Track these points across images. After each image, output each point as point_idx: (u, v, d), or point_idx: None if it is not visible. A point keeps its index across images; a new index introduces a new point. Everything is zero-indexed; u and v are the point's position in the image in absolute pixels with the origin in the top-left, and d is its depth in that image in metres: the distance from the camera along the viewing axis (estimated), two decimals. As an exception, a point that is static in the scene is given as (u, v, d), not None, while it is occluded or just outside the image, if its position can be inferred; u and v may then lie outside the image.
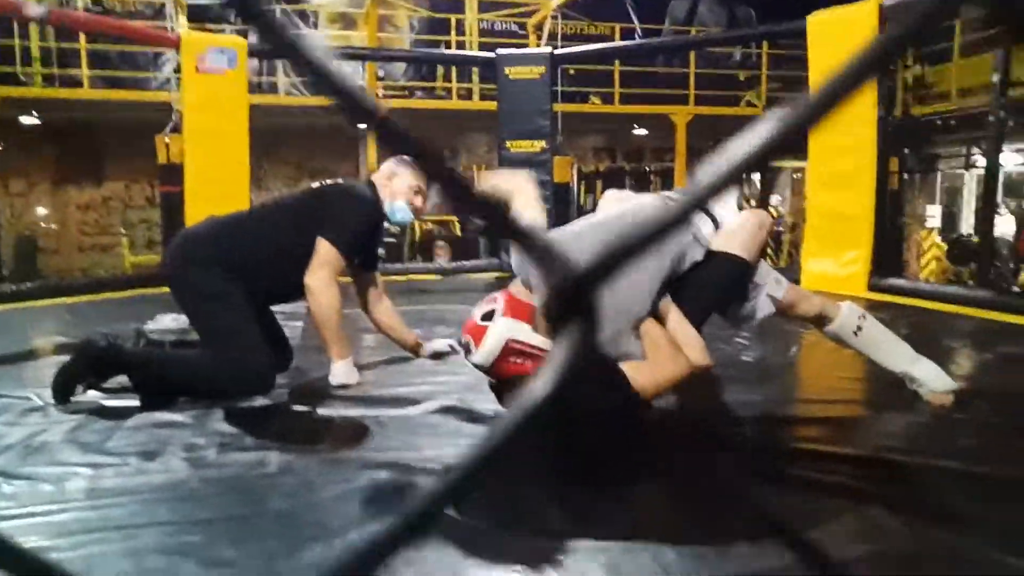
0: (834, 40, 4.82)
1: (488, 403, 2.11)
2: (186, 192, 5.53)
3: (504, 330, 1.75)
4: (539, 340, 1.76)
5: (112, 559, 1.30)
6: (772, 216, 12.03)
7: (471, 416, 2.14)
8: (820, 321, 2.22)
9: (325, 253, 2.41)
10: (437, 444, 1.90)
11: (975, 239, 8.95)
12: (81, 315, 4.17)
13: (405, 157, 2.69)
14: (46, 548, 1.33)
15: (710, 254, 2.02)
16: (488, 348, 1.75)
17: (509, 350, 1.75)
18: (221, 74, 5.55)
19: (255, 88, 8.93)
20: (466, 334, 1.81)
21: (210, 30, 7.50)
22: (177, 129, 5.87)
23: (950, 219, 12.05)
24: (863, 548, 1.31)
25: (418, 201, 2.62)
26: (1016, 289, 6.78)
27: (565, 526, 1.41)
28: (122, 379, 2.32)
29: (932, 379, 2.16)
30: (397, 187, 2.57)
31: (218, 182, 5.49)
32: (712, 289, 2.01)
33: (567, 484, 1.64)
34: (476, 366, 1.81)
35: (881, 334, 2.21)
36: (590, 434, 1.82)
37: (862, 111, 4.73)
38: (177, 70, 7.85)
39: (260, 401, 2.31)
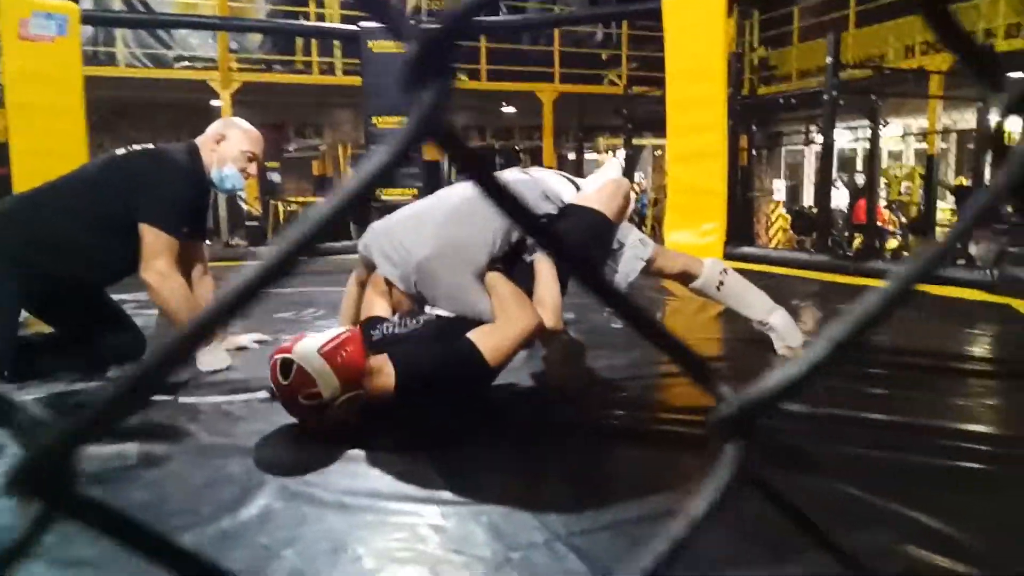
0: (687, 19, 5.05)
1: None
2: (13, 174, 4.99)
3: (309, 357, 1.65)
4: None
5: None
6: (636, 191, 12.57)
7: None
8: (685, 278, 2.34)
9: (154, 241, 2.20)
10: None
11: (815, 210, 9.76)
12: None
13: (234, 118, 2.54)
14: None
15: (566, 207, 2.09)
16: (323, 378, 1.65)
17: (334, 360, 1.67)
18: (49, 42, 5.03)
19: (91, 59, 8.18)
20: (293, 404, 1.69)
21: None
22: (0, 104, 5.29)
23: (793, 192, 13.10)
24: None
25: (252, 168, 2.43)
26: (850, 254, 7.50)
27: (444, 493, 1.41)
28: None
29: (786, 333, 2.34)
30: (226, 151, 2.37)
31: (51, 162, 4.97)
32: (572, 236, 2.00)
33: (438, 455, 1.64)
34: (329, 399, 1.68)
35: (742, 286, 2.36)
36: (453, 406, 1.82)
37: (713, 91, 5.00)
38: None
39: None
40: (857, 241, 9.51)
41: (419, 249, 1.88)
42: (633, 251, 2.21)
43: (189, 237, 2.38)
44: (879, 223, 10.16)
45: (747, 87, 9.66)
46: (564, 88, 10.28)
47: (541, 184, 2.11)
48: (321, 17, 9.51)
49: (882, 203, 10.13)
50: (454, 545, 1.19)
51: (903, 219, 9.95)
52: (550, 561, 1.15)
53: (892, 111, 9.56)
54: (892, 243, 9.85)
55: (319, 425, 1.70)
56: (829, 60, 5.52)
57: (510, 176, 2.23)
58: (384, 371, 1.73)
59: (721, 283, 2.31)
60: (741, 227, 9.04)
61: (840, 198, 10.30)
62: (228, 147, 2.37)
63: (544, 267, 1.94)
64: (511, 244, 1.96)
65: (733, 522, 1.10)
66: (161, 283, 2.20)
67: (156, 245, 2.20)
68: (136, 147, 2.36)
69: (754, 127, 8.62)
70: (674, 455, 1.63)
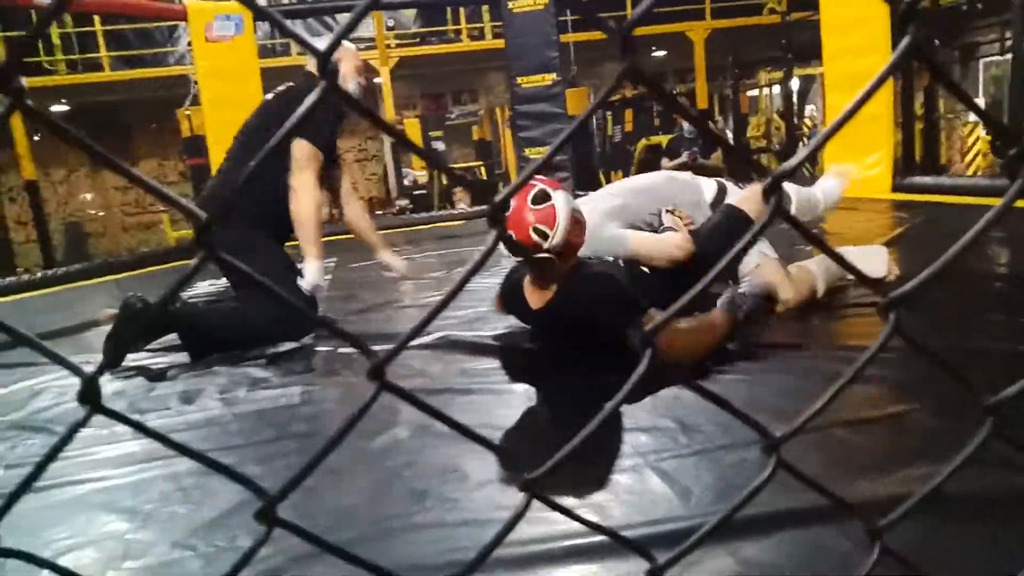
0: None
1: (488, 332, 2.27)
2: (212, 163, 5.71)
3: (566, 204, 1.81)
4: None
5: (154, 482, 1.48)
6: (807, 125, 11.71)
7: (474, 347, 2.26)
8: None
9: (303, 153, 2.44)
10: (446, 371, 2.05)
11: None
12: (128, 288, 4.42)
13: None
14: (100, 477, 1.52)
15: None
16: (563, 224, 1.79)
17: (574, 222, 1.82)
18: (229, 41, 5.65)
19: (268, 52, 9.00)
20: (520, 223, 1.79)
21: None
22: (196, 102, 6.03)
23: (998, 109, 11.54)
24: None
25: (363, 80, 2.70)
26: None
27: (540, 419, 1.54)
28: (171, 338, 2.51)
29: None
30: (345, 71, 2.60)
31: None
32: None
33: (543, 386, 1.76)
34: (547, 251, 1.80)
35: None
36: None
37: (872, 8, 4.58)
38: (190, 43, 8.00)
39: (287, 345, 2.48)
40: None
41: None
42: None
43: (331, 160, 2.66)
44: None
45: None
46: (716, 24, 9.77)
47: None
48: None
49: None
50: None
51: None
52: (632, 482, 1.25)
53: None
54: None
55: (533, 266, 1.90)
56: (1018, -45, 4.83)
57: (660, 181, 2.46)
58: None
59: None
60: (926, 154, 8.20)
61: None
62: (345, 67, 2.62)
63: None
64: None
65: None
66: (307, 189, 2.46)
67: (305, 155, 2.46)
68: (280, 87, 2.70)
69: (936, 40, 7.70)
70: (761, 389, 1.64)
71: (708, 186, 2.48)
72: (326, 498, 1.30)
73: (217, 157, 5.65)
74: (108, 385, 2.22)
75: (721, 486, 1.20)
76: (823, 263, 2.26)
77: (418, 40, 10.19)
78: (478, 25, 10.03)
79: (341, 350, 2.39)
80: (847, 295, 2.36)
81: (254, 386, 2.06)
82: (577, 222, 1.83)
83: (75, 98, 9.58)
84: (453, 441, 1.49)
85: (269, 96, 2.72)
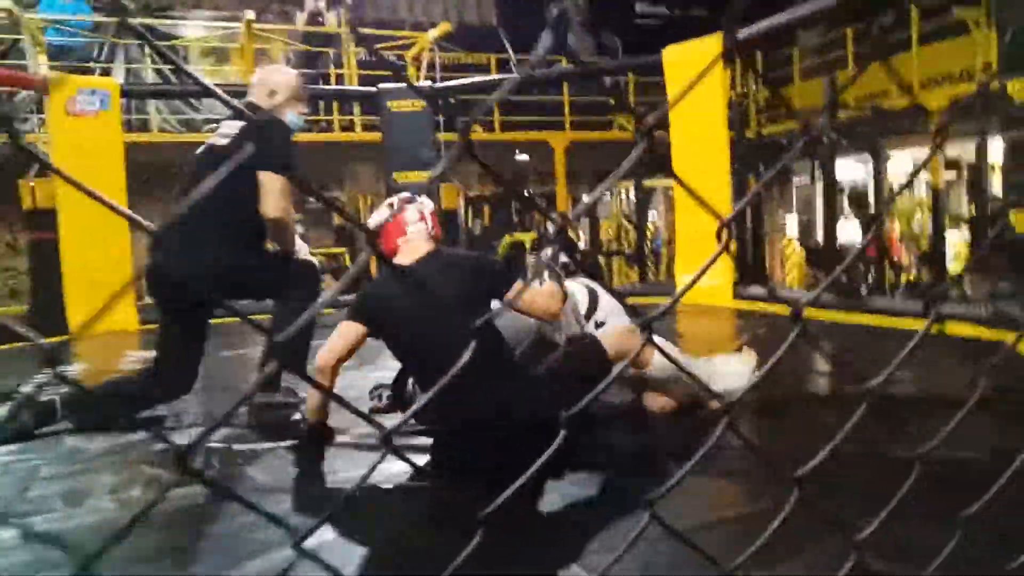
0: (686, 70, 5.32)
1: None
2: (62, 238, 5.33)
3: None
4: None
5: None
6: (650, 231, 12.76)
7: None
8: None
9: (274, 184, 2.44)
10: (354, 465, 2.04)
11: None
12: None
13: (268, 67, 2.89)
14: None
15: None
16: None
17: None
18: (93, 116, 5.41)
19: (125, 126, 8.63)
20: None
21: (75, 69, 7.23)
22: (43, 173, 5.66)
23: (808, 227, 13.19)
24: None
25: (303, 108, 2.72)
26: (863, 291, 7.62)
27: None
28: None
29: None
30: (279, 101, 2.62)
31: (95, 226, 5.32)
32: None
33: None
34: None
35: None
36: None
37: (714, 135, 5.25)
38: (37, 111, 7.50)
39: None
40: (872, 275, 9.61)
41: None
42: None
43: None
44: (893, 257, 10.26)
45: (753, 126, 9.93)
46: (575, 136, 10.60)
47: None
48: (340, 78, 9.95)
49: (896, 236, 10.24)
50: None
51: (916, 252, 10.04)
52: None
53: (899, 144, 9.72)
54: (906, 276, 9.92)
55: None
56: (825, 103, 5.76)
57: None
58: None
59: None
60: (754, 265, 9.21)
61: (853, 231, 10.42)
62: (279, 100, 2.63)
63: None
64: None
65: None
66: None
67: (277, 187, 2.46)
68: (225, 129, 2.67)
69: (762, 167, 8.84)
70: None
71: (580, 293, 2.58)
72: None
73: (70, 232, 5.27)
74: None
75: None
76: (708, 367, 2.47)
77: (287, 126, 10.16)
78: (349, 117, 10.22)
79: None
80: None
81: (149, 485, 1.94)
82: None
83: None
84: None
85: (217, 140, 2.65)
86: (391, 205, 2.29)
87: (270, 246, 2.61)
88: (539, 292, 2.16)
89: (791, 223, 12.63)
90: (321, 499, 1.87)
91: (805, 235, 12.58)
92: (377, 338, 2.07)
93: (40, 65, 6.24)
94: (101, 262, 5.15)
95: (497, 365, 1.95)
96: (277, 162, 2.42)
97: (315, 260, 2.69)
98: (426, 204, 2.23)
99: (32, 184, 6.34)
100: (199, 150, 2.73)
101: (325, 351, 2.06)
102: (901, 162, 10.23)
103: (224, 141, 2.63)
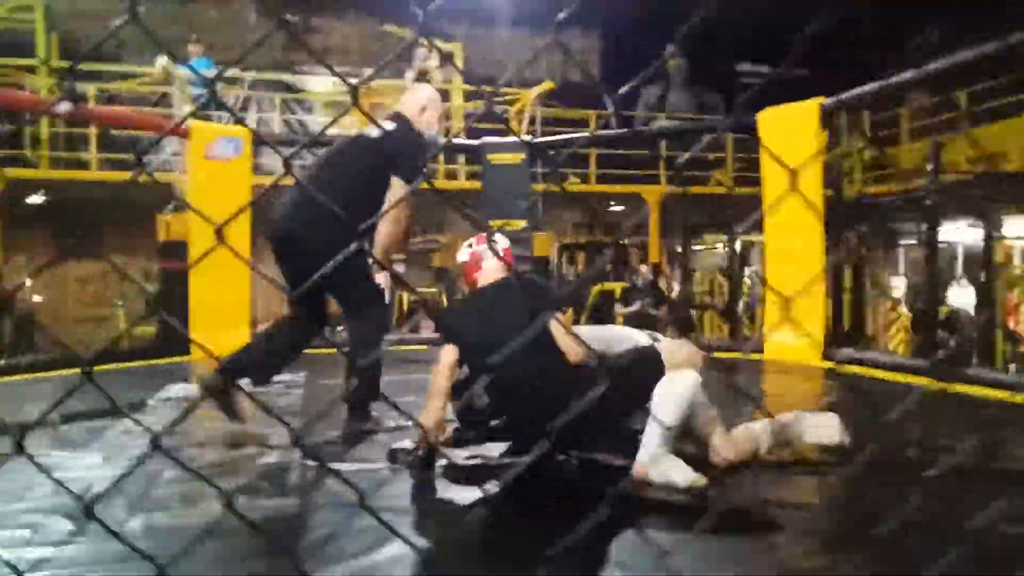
0: (782, 133, 5.40)
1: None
2: (191, 268, 5.92)
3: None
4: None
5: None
6: (747, 286, 12.56)
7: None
8: None
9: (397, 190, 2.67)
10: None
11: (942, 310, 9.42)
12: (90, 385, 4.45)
13: (420, 87, 3.14)
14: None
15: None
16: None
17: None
18: (227, 161, 6.04)
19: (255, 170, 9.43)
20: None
21: (209, 116, 8.05)
22: (179, 209, 6.33)
23: (916, 291, 12.60)
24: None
25: (443, 129, 3.01)
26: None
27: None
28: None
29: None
30: (430, 118, 2.88)
31: (222, 259, 5.87)
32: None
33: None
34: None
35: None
36: None
37: (807, 194, 5.25)
38: (177, 153, 8.37)
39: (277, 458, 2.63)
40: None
41: None
42: None
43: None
44: (1011, 325, 9.65)
45: (857, 186, 9.74)
46: (669, 188, 10.72)
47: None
48: (447, 129, 10.52)
49: (1014, 303, 9.65)
50: None
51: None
52: None
53: (1018, 208, 9.24)
54: None
55: None
56: (929, 167, 5.66)
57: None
58: None
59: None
60: (853, 326, 8.94)
61: (966, 297, 9.92)
62: (429, 116, 2.91)
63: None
64: None
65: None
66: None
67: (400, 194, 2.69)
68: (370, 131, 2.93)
69: (864, 227, 8.64)
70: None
71: (641, 338, 2.63)
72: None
73: (200, 266, 5.85)
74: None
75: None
76: (768, 426, 2.49)
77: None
78: (453, 166, 10.77)
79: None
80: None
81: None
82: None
83: (54, 192, 9.78)
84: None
85: (370, 132, 2.91)
86: (470, 245, 2.62)
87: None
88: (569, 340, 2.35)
89: (899, 286, 12.11)
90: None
91: (914, 299, 12.02)
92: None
93: (183, 112, 7.02)
94: (224, 291, 5.70)
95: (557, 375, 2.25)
96: (406, 165, 2.67)
97: (386, 289, 2.87)
98: (500, 241, 2.63)
99: (168, 219, 7.11)
100: (348, 135, 3.02)
101: (442, 364, 2.39)
102: (1018, 226, 9.71)
103: (376, 134, 2.89)
